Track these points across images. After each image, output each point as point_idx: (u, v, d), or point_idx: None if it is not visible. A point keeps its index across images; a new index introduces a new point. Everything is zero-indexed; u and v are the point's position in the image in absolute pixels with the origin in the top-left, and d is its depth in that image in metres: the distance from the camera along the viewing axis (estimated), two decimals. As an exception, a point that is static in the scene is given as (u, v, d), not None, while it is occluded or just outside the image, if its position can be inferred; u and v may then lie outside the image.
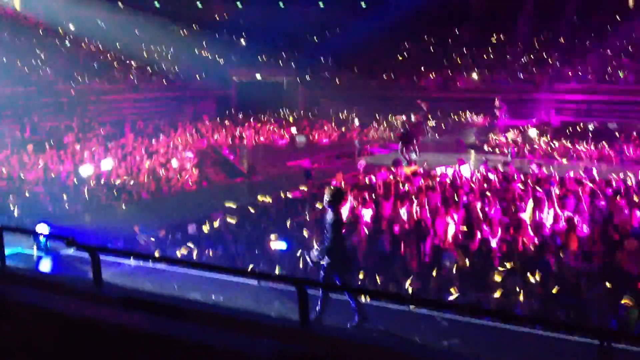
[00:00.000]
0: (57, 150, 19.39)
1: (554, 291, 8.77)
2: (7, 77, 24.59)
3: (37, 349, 3.42)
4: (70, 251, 9.91)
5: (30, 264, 9.57)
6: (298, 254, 9.00)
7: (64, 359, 3.57)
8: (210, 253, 11.06)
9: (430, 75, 34.08)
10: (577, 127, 26.25)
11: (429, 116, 24.16)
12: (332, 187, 8.03)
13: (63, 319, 3.73)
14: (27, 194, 14.43)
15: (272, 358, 3.03)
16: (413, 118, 21.40)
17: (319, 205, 13.32)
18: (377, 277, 9.54)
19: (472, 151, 22.84)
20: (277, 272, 9.91)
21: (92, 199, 15.02)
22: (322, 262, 7.67)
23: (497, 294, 8.54)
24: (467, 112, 30.62)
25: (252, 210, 13.46)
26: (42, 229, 9.99)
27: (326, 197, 7.66)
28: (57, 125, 23.43)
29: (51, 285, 5.15)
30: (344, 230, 7.76)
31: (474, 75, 33.27)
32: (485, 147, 23.74)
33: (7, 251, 6.25)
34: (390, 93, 32.75)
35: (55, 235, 8.90)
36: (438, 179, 16.12)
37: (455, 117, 30.34)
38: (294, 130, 28.54)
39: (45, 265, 9.83)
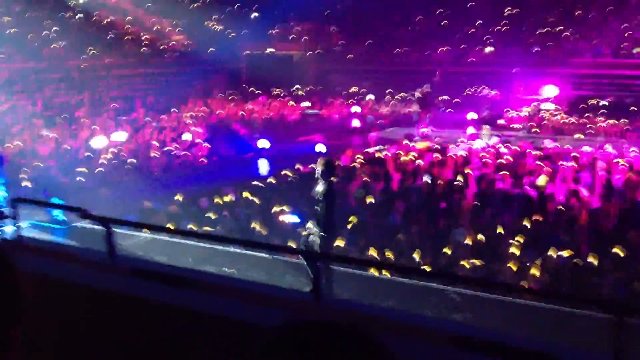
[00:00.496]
0: (69, 125, 19.43)
1: (564, 265, 8.74)
2: (19, 52, 24.59)
3: (50, 318, 3.44)
4: (84, 224, 9.97)
5: (45, 236, 9.63)
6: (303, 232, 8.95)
7: (77, 328, 3.58)
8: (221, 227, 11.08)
9: (443, 49, 33.72)
10: (593, 101, 25.96)
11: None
12: (324, 159, 8.16)
13: (77, 289, 3.74)
14: (40, 168, 14.50)
15: (285, 328, 3.02)
16: (418, 93, 21.25)
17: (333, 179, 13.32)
18: (389, 251, 9.54)
19: (486, 126, 22.67)
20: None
21: (104, 172, 15.06)
22: (312, 233, 7.78)
23: (509, 267, 8.51)
24: (481, 86, 30.33)
25: (262, 185, 13.47)
26: (56, 201, 10.05)
27: (318, 169, 7.79)
28: (69, 100, 23.44)
29: (65, 256, 5.18)
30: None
31: (488, 49, 32.90)
32: (499, 122, 23.56)
33: (22, 223, 6.30)
34: (402, 67, 32.47)
35: (69, 207, 8.94)
36: (451, 154, 16.03)
37: (469, 91, 30.07)
38: (305, 104, 28.41)
39: (59, 237, 9.90)
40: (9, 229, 5.99)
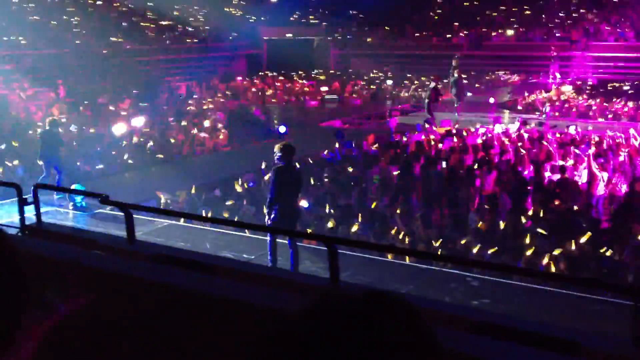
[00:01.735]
0: (91, 111, 19.61)
1: (586, 250, 8.67)
2: (41, 39, 24.82)
3: (71, 303, 3.49)
4: (105, 210, 10.10)
5: (66, 221, 9.77)
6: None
7: (97, 312, 3.64)
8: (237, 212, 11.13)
9: (463, 32, 33.40)
10: (615, 85, 25.60)
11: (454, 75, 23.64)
12: (281, 143, 8.18)
13: (97, 274, 3.79)
14: (62, 154, 14.66)
15: (304, 314, 3.04)
16: (432, 80, 21.17)
17: (350, 168, 13.33)
18: (407, 236, 9.53)
19: (506, 110, 22.46)
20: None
21: (126, 158, 15.20)
22: (270, 217, 7.87)
23: (528, 253, 8.47)
24: (502, 70, 30.06)
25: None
26: (77, 187, 10.16)
27: (276, 152, 7.87)
28: (91, 86, 23.64)
29: (85, 241, 5.25)
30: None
31: (509, 33, 32.53)
32: (520, 106, 23.33)
33: (43, 209, 6.39)
34: (422, 52, 32.26)
35: (89, 193, 9.05)
36: (471, 139, 15.92)
37: (489, 75, 29.80)
38: (324, 88, 28.36)
39: (80, 223, 10.04)
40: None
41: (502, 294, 7.30)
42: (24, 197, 5.91)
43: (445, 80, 25.40)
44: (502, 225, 9.68)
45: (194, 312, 3.53)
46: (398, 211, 10.27)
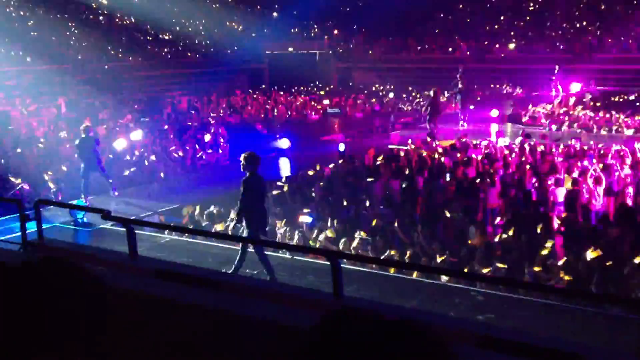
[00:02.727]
0: (93, 126, 19.59)
1: (592, 265, 8.59)
2: (43, 55, 24.89)
3: (72, 317, 3.44)
4: (107, 225, 10.05)
5: (67, 237, 9.72)
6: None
7: (98, 327, 3.58)
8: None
9: (466, 45, 33.47)
10: (618, 97, 25.57)
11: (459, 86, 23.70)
12: (246, 153, 8.68)
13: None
14: (63, 169, 14.64)
15: (308, 328, 2.99)
16: (432, 92, 21.20)
17: (351, 179, 13.29)
18: (409, 250, 9.46)
19: (509, 123, 22.44)
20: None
21: (127, 174, 15.18)
22: (238, 224, 8.47)
23: (536, 268, 8.38)
24: (504, 83, 30.08)
25: (284, 185, 13.44)
26: (79, 203, 10.13)
27: (242, 162, 8.45)
28: (93, 101, 23.68)
29: (87, 257, 5.21)
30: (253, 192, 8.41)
31: (511, 45, 32.59)
32: (523, 119, 23.30)
33: (44, 225, 6.35)
34: (424, 65, 32.31)
35: (91, 209, 9.00)
36: (474, 152, 15.88)
37: (492, 88, 29.83)
38: (327, 102, 28.39)
39: (82, 239, 9.99)
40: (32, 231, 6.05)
41: (507, 308, 7.22)
42: (25, 212, 5.87)
43: (447, 94, 25.45)
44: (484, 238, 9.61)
45: (197, 327, 3.48)
46: (396, 224, 10.20)
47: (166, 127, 20.53)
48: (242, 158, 8.47)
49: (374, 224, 10.56)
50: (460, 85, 22.66)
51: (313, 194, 12.42)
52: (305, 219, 10.44)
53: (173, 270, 5.15)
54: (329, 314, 1.10)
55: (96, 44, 27.95)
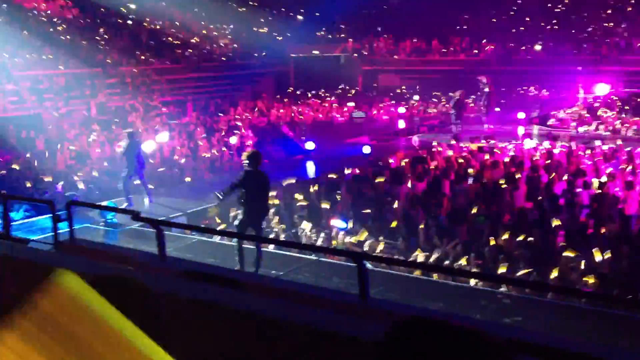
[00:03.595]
0: (122, 129, 19.89)
1: (619, 268, 8.52)
2: (74, 58, 25.31)
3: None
4: (136, 226, 10.21)
5: (98, 238, 9.90)
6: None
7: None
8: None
9: (491, 47, 33.24)
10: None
11: (486, 90, 23.63)
12: (249, 151, 9.59)
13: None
14: (94, 172, 14.91)
15: (333, 330, 3.05)
16: (457, 94, 21.10)
17: (378, 181, 13.32)
18: (436, 253, 9.46)
19: (536, 126, 22.26)
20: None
21: (155, 176, 15.39)
22: (238, 217, 9.03)
23: (554, 273, 8.34)
24: (530, 85, 29.83)
25: (311, 188, 13.53)
26: (109, 203, 10.31)
27: (244, 159, 9.07)
28: (122, 105, 24.01)
29: (117, 257, 5.32)
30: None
31: (537, 47, 32.29)
32: (550, 121, 23.11)
33: (75, 225, 6.49)
34: (449, 67, 32.17)
35: (122, 210, 9.16)
36: (501, 155, 15.81)
37: (518, 90, 29.60)
38: (352, 104, 28.41)
39: (112, 239, 10.16)
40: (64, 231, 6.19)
41: (533, 310, 7.20)
42: (57, 213, 6.01)
43: (473, 96, 25.34)
44: (533, 240, 9.56)
45: (225, 328, 3.55)
46: (421, 227, 10.21)
47: (195, 129, 20.75)
48: (244, 157, 9.13)
49: (394, 225, 10.59)
50: (487, 89, 22.52)
51: (338, 197, 12.48)
52: (337, 223, 10.49)
53: (201, 270, 5.24)
54: (398, 323, 1.08)
55: (125, 48, 28.35)
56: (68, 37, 27.12)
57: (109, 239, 10.12)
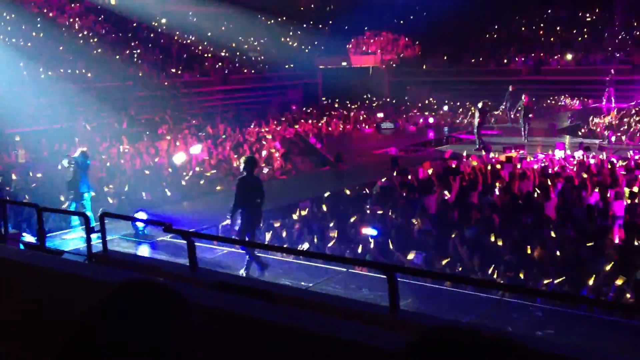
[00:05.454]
0: (152, 141, 20.15)
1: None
2: (106, 72, 25.74)
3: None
4: (167, 237, 10.30)
5: (130, 249, 10.01)
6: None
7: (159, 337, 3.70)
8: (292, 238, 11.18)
9: (522, 57, 33.00)
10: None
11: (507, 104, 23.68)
12: (245, 156, 10.05)
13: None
14: (125, 183, 15.08)
15: (364, 342, 3.04)
16: (481, 104, 21.01)
17: (404, 193, 13.27)
18: (472, 265, 9.38)
19: (567, 136, 22.00)
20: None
21: (186, 187, 15.53)
22: (237, 222, 9.30)
23: (591, 282, 8.20)
24: (561, 95, 29.53)
25: (339, 198, 13.53)
26: (140, 215, 10.41)
27: (242, 164, 9.43)
28: (152, 117, 24.32)
29: (149, 269, 5.37)
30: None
31: (568, 57, 31.97)
32: (581, 132, 22.82)
33: (107, 237, 6.58)
34: (479, 78, 31.98)
35: (152, 221, 9.25)
36: (531, 166, 15.64)
37: (549, 100, 29.30)
38: (380, 115, 28.40)
39: (143, 251, 10.26)
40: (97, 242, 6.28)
41: (567, 323, 7.08)
42: (91, 225, 6.10)
43: (501, 108, 25.21)
44: (566, 252, 9.43)
45: (256, 340, 3.56)
46: (453, 236, 10.13)
47: (223, 140, 20.92)
48: (242, 161, 9.50)
49: (423, 235, 10.53)
50: (523, 99, 22.28)
51: (367, 207, 12.46)
52: (369, 231, 10.46)
53: (232, 282, 5.26)
54: (428, 333, 1.06)
55: (156, 62, 28.76)
56: (100, 51, 27.61)
57: (140, 250, 10.23)
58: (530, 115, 21.79)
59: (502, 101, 25.45)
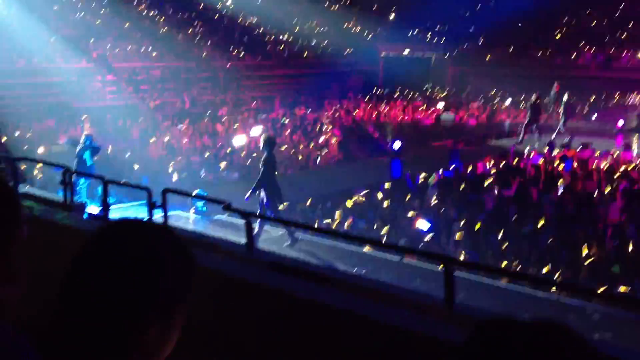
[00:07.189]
0: (212, 122, 20.42)
1: None
2: (170, 52, 26.16)
3: (196, 301, 3.63)
4: (224, 216, 10.45)
5: (188, 225, 10.20)
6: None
7: (214, 313, 3.77)
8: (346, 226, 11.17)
9: (590, 52, 31.92)
10: None
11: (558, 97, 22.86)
12: (265, 135, 10.58)
13: (216, 277, 3.92)
14: (184, 162, 15.37)
15: (420, 331, 3.02)
16: (534, 97, 20.38)
17: (462, 187, 13.07)
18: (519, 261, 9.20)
19: (636, 134, 21.25)
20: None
21: (244, 169, 15.70)
22: (261, 196, 9.74)
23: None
24: (631, 92, 28.50)
25: (394, 188, 13.44)
26: (199, 192, 10.59)
27: (261, 142, 9.99)
28: (213, 99, 24.63)
29: (207, 245, 5.44)
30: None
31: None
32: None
33: (168, 212, 6.69)
34: (545, 72, 31.09)
35: (212, 199, 9.40)
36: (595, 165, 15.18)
37: (617, 97, 28.34)
38: (440, 106, 28.00)
39: (201, 227, 10.44)
40: (158, 217, 6.40)
41: (625, 326, 6.87)
42: (153, 200, 6.22)
43: (545, 101, 24.44)
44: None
45: (309, 321, 3.58)
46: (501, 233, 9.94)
47: (282, 124, 21.04)
48: (262, 139, 9.98)
49: (477, 227, 10.37)
50: (566, 97, 21.59)
51: (424, 200, 12.35)
52: (422, 224, 10.38)
53: (287, 264, 5.29)
54: (483, 325, 1.03)
55: (219, 43, 29.03)
56: (165, 30, 28.04)
57: (197, 226, 10.41)
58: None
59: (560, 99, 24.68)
